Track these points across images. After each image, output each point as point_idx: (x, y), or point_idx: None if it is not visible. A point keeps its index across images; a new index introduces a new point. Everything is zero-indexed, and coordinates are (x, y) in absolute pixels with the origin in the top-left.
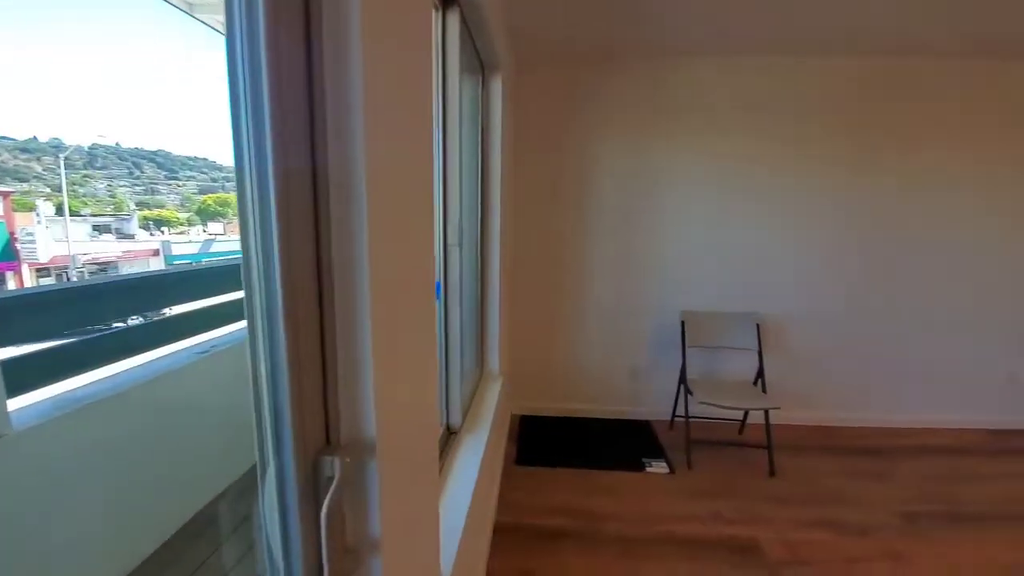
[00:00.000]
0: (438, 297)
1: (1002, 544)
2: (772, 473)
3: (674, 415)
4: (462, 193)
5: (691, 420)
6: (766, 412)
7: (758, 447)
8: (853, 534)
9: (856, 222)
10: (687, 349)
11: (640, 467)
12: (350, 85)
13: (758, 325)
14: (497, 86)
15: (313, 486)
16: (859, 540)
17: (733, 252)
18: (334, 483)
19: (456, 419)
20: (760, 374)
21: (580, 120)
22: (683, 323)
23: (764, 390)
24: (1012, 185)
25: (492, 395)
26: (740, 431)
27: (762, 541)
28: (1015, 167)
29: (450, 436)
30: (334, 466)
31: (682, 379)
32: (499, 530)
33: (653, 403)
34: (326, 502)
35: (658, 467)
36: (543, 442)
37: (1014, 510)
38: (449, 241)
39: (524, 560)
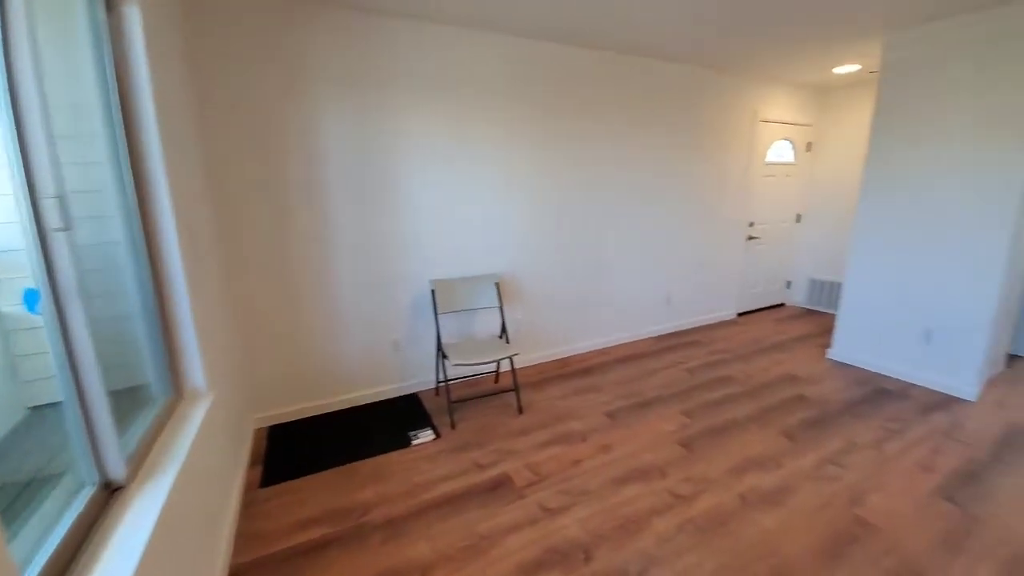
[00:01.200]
0: (32, 309)
1: (664, 416)
2: (520, 410)
3: (438, 381)
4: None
5: (452, 382)
6: (510, 360)
7: (510, 391)
8: (577, 441)
9: (563, 190)
10: (440, 316)
11: (407, 442)
12: None
13: (497, 284)
14: (134, 14)
15: None
16: (581, 445)
17: (470, 220)
18: None
19: (117, 469)
20: (503, 327)
21: (291, 80)
22: (433, 292)
23: (507, 341)
24: (673, 160)
25: (192, 420)
26: (496, 380)
27: (511, 472)
28: (674, 145)
29: (111, 495)
30: None
31: (438, 345)
32: (238, 575)
33: (420, 373)
34: None
35: (424, 437)
36: (298, 450)
37: (670, 391)
38: (48, 225)
39: None
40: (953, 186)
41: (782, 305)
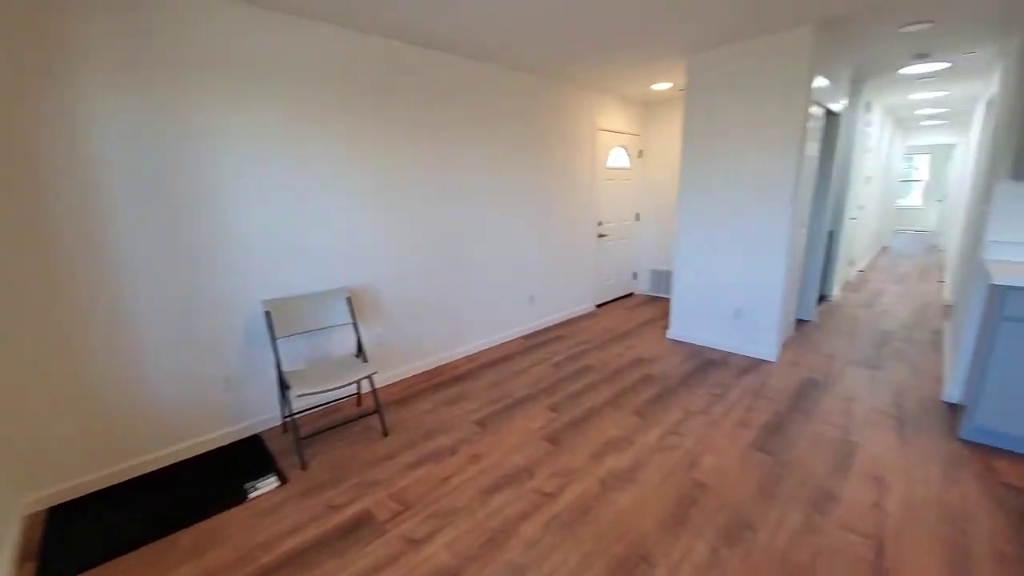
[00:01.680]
0: None
1: (532, 415)
2: (385, 433)
3: (284, 416)
4: None
5: (303, 414)
6: (370, 379)
7: (373, 413)
8: (446, 456)
9: (422, 195)
10: (281, 341)
11: (243, 496)
12: None
13: (348, 299)
14: None
15: None
16: (450, 459)
17: (312, 230)
18: None
19: None
20: (359, 345)
21: (49, 69)
22: (268, 314)
23: (365, 359)
24: (527, 166)
25: None
26: (358, 403)
27: (372, 507)
28: (527, 151)
29: None
30: None
31: (279, 375)
32: None
33: (262, 410)
34: None
35: (266, 485)
36: (92, 532)
37: (538, 388)
38: None
39: None
40: (743, 188)
41: (631, 295)
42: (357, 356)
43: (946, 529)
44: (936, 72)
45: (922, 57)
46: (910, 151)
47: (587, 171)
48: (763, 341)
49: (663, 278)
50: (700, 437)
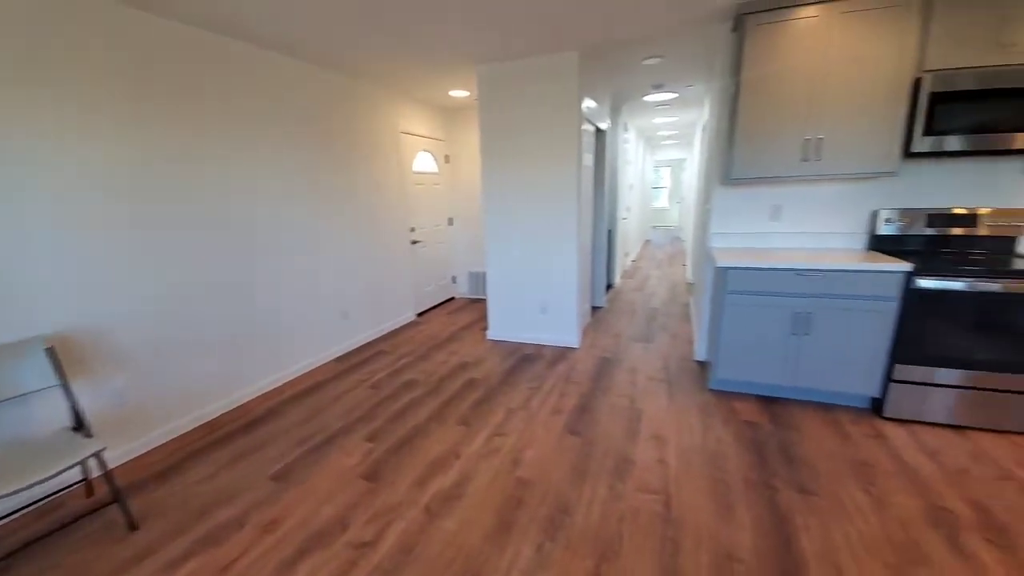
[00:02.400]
0: None
1: (347, 449)
2: (133, 525)
3: None
4: None
5: None
6: (97, 458)
7: (112, 503)
8: (231, 533)
9: (198, 199)
10: None
11: None
12: None
13: (51, 349)
14: None
15: None
16: (236, 536)
17: None
18: None
19: None
20: (76, 414)
21: None
22: None
23: (89, 433)
24: (328, 170)
25: None
26: (89, 493)
27: None
28: (327, 155)
29: None
30: None
31: None
32: None
33: None
34: None
35: None
36: None
37: (355, 415)
38: None
39: None
40: (536, 195)
41: (452, 299)
42: (76, 430)
43: (710, 470)
44: (669, 101)
45: (658, 87)
46: (657, 164)
47: (395, 175)
48: (567, 330)
49: (480, 280)
50: (521, 433)
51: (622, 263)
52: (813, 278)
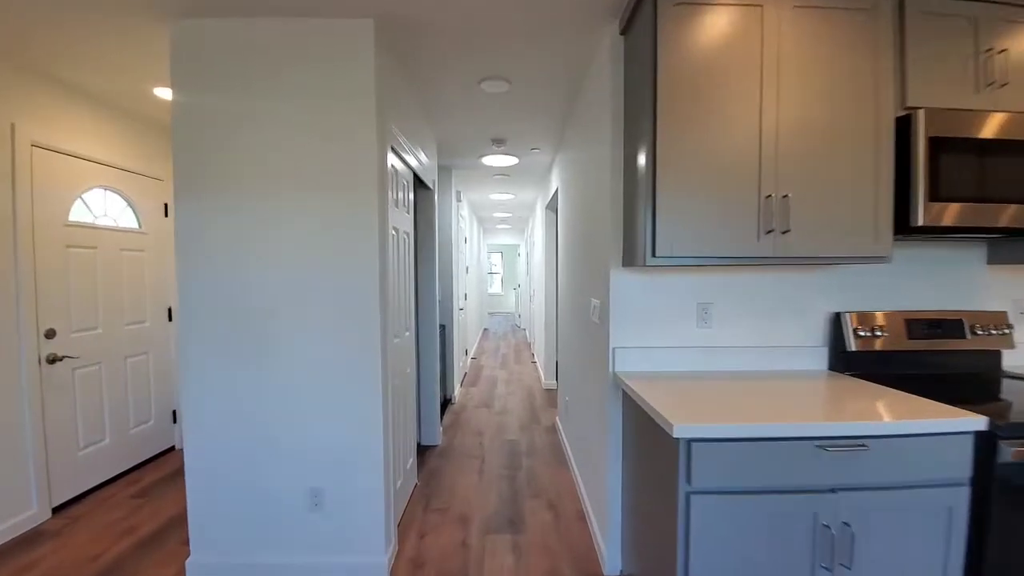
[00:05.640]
0: None
1: None
2: None
3: None
4: None
5: None
6: None
7: None
8: None
9: None
10: None
11: None
12: None
13: None
14: None
15: None
16: None
17: None
18: None
19: None
20: None
21: None
22: None
23: None
24: None
25: None
26: None
27: None
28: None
29: None
30: None
31: None
32: None
33: None
34: None
35: None
36: None
37: None
38: None
39: None
40: (295, 272)
41: (172, 449)
42: None
43: None
44: (508, 168)
45: (499, 143)
46: (490, 249)
47: (5, 224)
48: (365, 539)
49: None
50: None
51: (461, 365)
52: (839, 454)
